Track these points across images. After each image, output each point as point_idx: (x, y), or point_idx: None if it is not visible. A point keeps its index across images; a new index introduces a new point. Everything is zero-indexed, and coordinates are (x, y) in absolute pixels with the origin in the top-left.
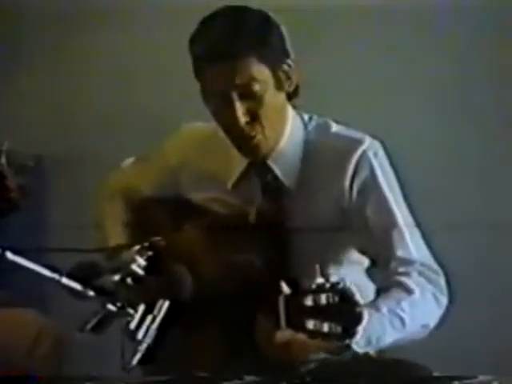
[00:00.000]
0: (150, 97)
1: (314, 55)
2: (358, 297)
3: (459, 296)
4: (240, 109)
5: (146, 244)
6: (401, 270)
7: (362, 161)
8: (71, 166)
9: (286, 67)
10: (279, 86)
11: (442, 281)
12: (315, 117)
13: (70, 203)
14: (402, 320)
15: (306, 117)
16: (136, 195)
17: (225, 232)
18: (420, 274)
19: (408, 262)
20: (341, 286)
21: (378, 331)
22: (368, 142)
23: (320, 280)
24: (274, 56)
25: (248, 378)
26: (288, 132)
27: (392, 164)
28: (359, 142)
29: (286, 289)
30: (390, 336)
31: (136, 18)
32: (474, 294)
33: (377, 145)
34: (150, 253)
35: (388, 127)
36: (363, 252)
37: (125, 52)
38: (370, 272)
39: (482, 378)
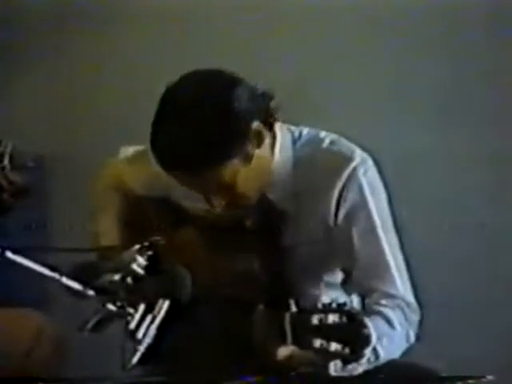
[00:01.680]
0: (151, 97)
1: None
2: (365, 319)
3: None
4: (215, 199)
5: (147, 243)
6: (383, 302)
7: (350, 181)
8: (72, 166)
9: (260, 127)
10: (258, 144)
11: (417, 318)
12: (305, 131)
13: (70, 203)
14: (377, 356)
15: (295, 132)
16: (129, 192)
17: (221, 234)
18: (401, 309)
19: (392, 297)
20: (348, 307)
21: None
22: (358, 159)
23: (326, 300)
24: (247, 141)
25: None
26: (277, 158)
27: (383, 178)
28: (349, 160)
29: (290, 305)
30: (362, 367)
31: (138, 17)
32: None
33: (367, 161)
34: (150, 252)
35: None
36: (343, 270)
37: (126, 52)
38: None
39: (489, 377)
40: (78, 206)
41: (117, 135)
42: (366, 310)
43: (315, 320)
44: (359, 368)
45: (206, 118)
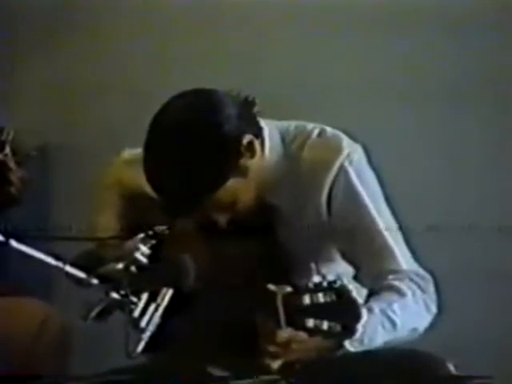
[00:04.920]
0: (155, 86)
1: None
2: (355, 294)
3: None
4: (219, 218)
5: (150, 233)
6: (391, 277)
7: (339, 173)
8: (74, 156)
9: (251, 139)
10: (252, 155)
11: (432, 288)
12: (292, 125)
13: (72, 193)
14: (392, 322)
15: (283, 129)
16: (127, 192)
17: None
18: (411, 280)
19: (397, 272)
20: (338, 284)
21: (370, 332)
22: (346, 150)
23: (317, 279)
24: (240, 157)
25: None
26: (268, 158)
27: (374, 167)
28: (336, 153)
29: (283, 288)
30: (381, 337)
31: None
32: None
33: (355, 151)
34: (153, 241)
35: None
36: (350, 262)
37: (130, 39)
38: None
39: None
40: (80, 196)
41: (119, 126)
42: (377, 287)
43: (307, 300)
44: (377, 339)
45: (197, 146)
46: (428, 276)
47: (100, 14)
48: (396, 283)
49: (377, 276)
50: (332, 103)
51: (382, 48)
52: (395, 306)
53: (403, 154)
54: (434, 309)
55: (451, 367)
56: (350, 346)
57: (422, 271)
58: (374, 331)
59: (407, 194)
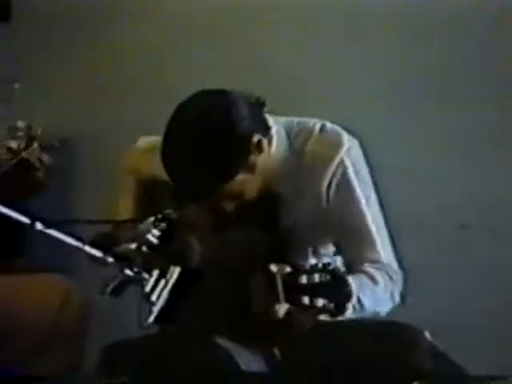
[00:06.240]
0: (175, 78)
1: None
2: (346, 276)
3: None
4: (226, 205)
5: (160, 216)
6: (369, 265)
7: (338, 167)
8: (94, 146)
9: (260, 138)
10: (260, 152)
11: (400, 281)
12: (295, 121)
13: (92, 180)
14: (361, 304)
15: (287, 124)
16: (144, 176)
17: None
18: (385, 271)
19: (375, 262)
20: (332, 266)
21: None
22: (346, 145)
23: (313, 261)
24: (250, 154)
25: None
26: (275, 152)
27: (368, 162)
28: (337, 148)
29: (282, 269)
30: (348, 315)
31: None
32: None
33: (353, 146)
34: (163, 224)
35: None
36: (336, 246)
37: (154, 36)
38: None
39: None
40: (101, 184)
41: (136, 119)
42: (354, 270)
43: (303, 279)
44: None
45: (211, 142)
46: (400, 271)
47: (121, 18)
48: (372, 271)
49: (356, 261)
50: (332, 104)
51: (381, 48)
52: (367, 291)
53: (402, 152)
54: (397, 299)
55: (428, 336)
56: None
57: (396, 266)
58: None
59: (407, 190)
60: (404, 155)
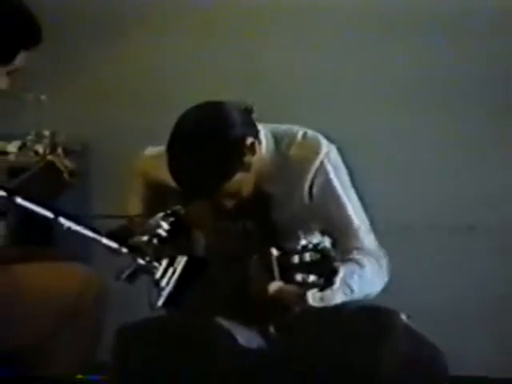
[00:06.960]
0: (193, 86)
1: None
2: (334, 253)
3: None
4: (226, 201)
5: (169, 211)
6: (355, 252)
7: (319, 169)
8: (113, 151)
9: (252, 140)
10: (253, 153)
11: (385, 263)
12: (281, 128)
13: (108, 181)
14: (351, 288)
15: (274, 129)
16: (152, 180)
17: (224, 210)
18: (370, 255)
19: (360, 249)
20: (321, 246)
21: (330, 294)
22: (324, 150)
23: (304, 242)
24: (244, 155)
25: None
26: (265, 154)
27: (347, 165)
28: (317, 152)
29: (276, 251)
30: (339, 298)
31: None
32: None
33: (332, 150)
34: (172, 219)
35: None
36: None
37: (169, 45)
38: None
39: None
40: (117, 186)
41: (147, 127)
42: (342, 259)
43: (296, 259)
44: (336, 299)
45: (210, 147)
46: (382, 253)
47: (135, 27)
48: (359, 257)
49: (344, 251)
50: (332, 104)
51: (381, 49)
52: (355, 276)
53: (403, 152)
54: (386, 279)
55: (404, 317)
56: (313, 302)
57: (379, 250)
58: (333, 294)
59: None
60: (404, 155)
